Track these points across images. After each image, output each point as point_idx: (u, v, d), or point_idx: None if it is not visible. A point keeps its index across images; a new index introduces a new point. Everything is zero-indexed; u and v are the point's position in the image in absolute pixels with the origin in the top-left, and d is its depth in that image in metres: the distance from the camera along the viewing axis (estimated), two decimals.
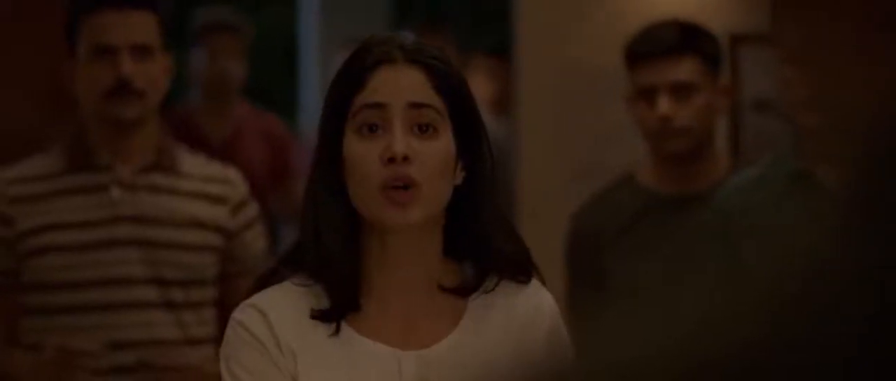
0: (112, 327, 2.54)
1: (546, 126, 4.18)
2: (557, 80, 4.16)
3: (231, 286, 2.59)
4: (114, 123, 2.56)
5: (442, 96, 1.67)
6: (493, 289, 1.72)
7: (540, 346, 1.72)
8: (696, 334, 0.64)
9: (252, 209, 2.69)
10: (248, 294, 1.72)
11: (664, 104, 2.79)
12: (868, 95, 0.66)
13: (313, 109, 6.18)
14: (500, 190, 1.84)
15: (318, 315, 1.67)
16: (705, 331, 0.64)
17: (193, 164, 2.66)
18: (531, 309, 1.73)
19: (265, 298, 1.69)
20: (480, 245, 1.71)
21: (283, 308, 1.68)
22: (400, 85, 1.66)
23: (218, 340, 1.73)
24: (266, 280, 1.72)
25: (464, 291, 1.71)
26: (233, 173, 2.69)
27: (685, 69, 2.81)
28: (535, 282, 1.76)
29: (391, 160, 1.63)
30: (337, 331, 1.67)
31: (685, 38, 2.83)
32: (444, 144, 1.66)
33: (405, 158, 1.63)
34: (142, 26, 2.56)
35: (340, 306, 1.68)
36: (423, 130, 1.66)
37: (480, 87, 4.96)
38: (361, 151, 1.65)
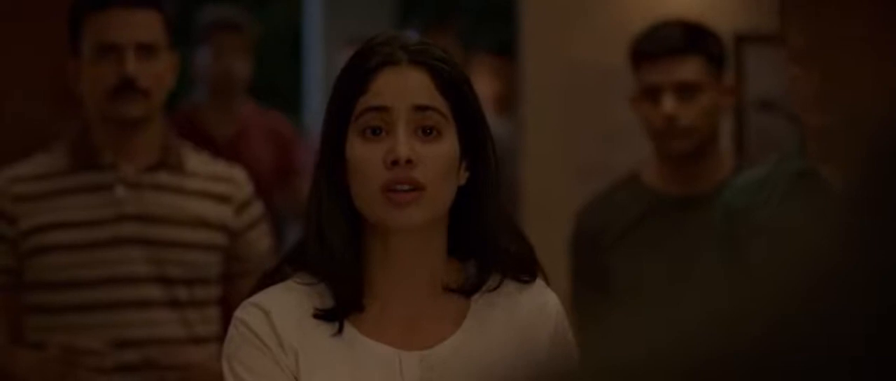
0: (116, 325, 2.54)
1: (550, 125, 4.18)
2: (562, 79, 4.16)
3: (235, 285, 2.59)
4: (118, 122, 2.56)
5: (446, 98, 1.67)
6: (496, 288, 1.71)
7: (544, 345, 1.71)
8: (701, 333, 0.64)
9: (257, 208, 2.68)
10: (252, 293, 1.72)
11: (669, 104, 2.79)
12: (875, 95, 0.66)
13: (318, 107, 6.18)
14: (504, 189, 1.84)
15: (321, 315, 1.67)
16: (710, 331, 0.64)
17: (198, 162, 2.66)
18: (535, 309, 1.73)
19: (268, 297, 1.69)
20: (484, 245, 1.70)
21: (285, 307, 1.67)
22: (403, 87, 1.65)
23: (222, 338, 1.73)
24: (269, 279, 1.72)
25: (466, 290, 1.70)
26: (238, 172, 2.69)
27: (690, 69, 2.81)
28: (539, 282, 1.75)
29: (395, 163, 1.63)
30: (339, 331, 1.67)
31: (690, 37, 2.83)
32: (447, 146, 1.66)
33: (409, 162, 1.63)
34: (146, 25, 2.56)
35: (343, 306, 1.67)
36: (427, 132, 1.65)
37: (484, 86, 4.96)
38: (365, 154, 1.65)
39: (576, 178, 4.04)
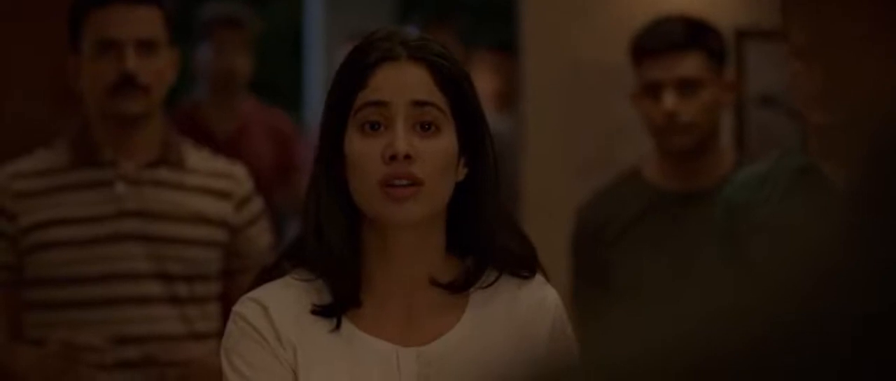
0: (116, 321, 2.54)
1: (552, 122, 4.17)
2: (563, 76, 4.15)
3: (235, 281, 2.59)
4: (118, 119, 2.56)
5: (445, 93, 1.66)
6: (493, 284, 1.71)
7: (543, 341, 1.71)
8: (700, 331, 0.64)
9: (257, 205, 2.68)
10: (250, 288, 1.72)
11: (670, 100, 2.79)
12: (877, 93, 0.66)
13: (319, 103, 6.17)
14: (504, 186, 1.84)
15: (319, 311, 1.67)
16: (709, 328, 0.64)
17: (198, 159, 2.66)
18: (534, 304, 1.73)
19: (266, 292, 1.69)
20: (482, 241, 1.70)
21: (283, 303, 1.67)
22: (403, 83, 1.65)
23: (222, 335, 1.73)
24: (268, 275, 1.72)
25: (463, 286, 1.70)
26: (238, 169, 2.69)
27: (691, 65, 2.81)
28: (538, 277, 1.75)
29: (393, 158, 1.63)
30: (337, 327, 1.67)
31: (691, 33, 2.83)
32: (446, 141, 1.66)
33: (407, 157, 1.63)
34: (147, 21, 2.55)
35: (341, 301, 1.67)
36: (426, 128, 1.65)
37: (484, 82, 4.96)
38: (363, 149, 1.64)
39: (576, 175, 4.04)
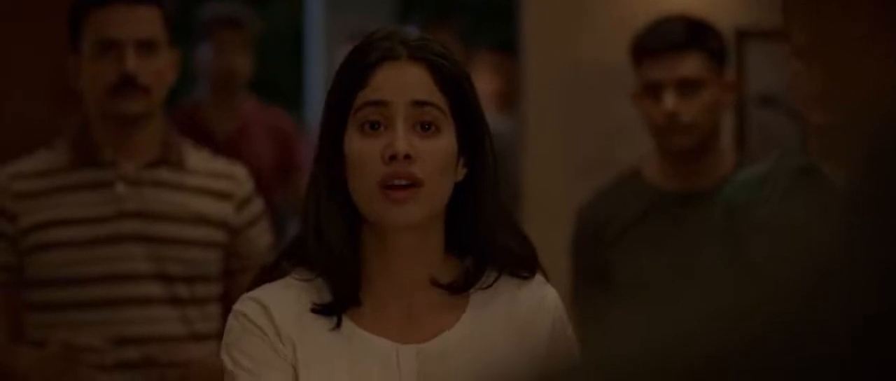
0: (117, 322, 2.54)
1: (552, 122, 4.17)
2: (563, 76, 4.15)
3: (236, 282, 2.59)
4: (118, 119, 2.56)
5: (445, 93, 1.66)
6: (492, 284, 1.71)
7: (543, 341, 1.71)
8: (701, 331, 0.64)
9: (257, 205, 2.68)
10: (250, 288, 1.72)
11: (670, 100, 2.79)
12: (877, 93, 0.66)
13: (319, 103, 6.17)
14: (505, 187, 1.84)
15: (319, 310, 1.67)
16: (709, 329, 0.64)
17: (199, 159, 2.66)
18: (534, 304, 1.72)
19: (266, 292, 1.69)
20: (482, 241, 1.70)
21: (283, 302, 1.68)
22: (403, 82, 1.65)
23: (222, 335, 1.73)
24: (267, 275, 1.72)
25: (463, 286, 1.70)
26: (238, 169, 2.69)
27: (691, 65, 2.81)
28: (538, 278, 1.75)
29: (393, 158, 1.63)
30: (338, 325, 1.67)
31: (691, 34, 2.83)
32: (446, 141, 1.66)
33: (407, 157, 1.62)
34: (147, 21, 2.55)
35: (341, 300, 1.67)
36: (426, 128, 1.65)
37: (485, 82, 4.96)
38: (363, 149, 1.64)
39: (577, 175, 4.04)
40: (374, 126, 1.65)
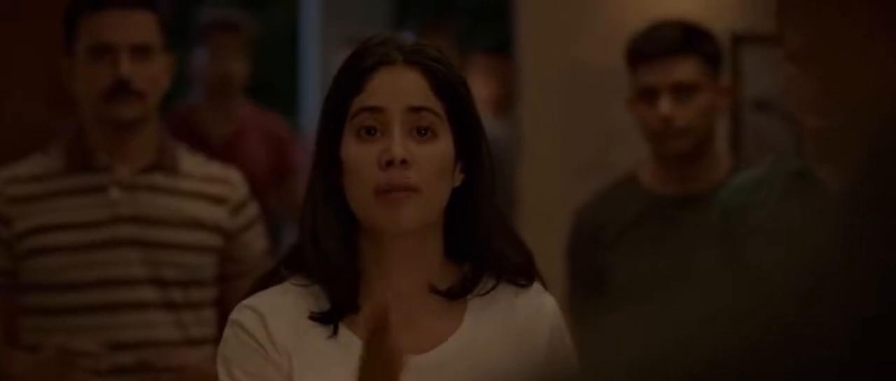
0: (112, 327, 2.53)
1: (548, 125, 4.17)
2: (560, 80, 4.15)
3: (231, 287, 2.58)
4: (113, 124, 2.56)
5: (441, 99, 1.66)
6: (491, 291, 1.71)
7: (541, 350, 1.71)
8: (698, 337, 0.64)
9: (252, 210, 2.68)
10: (248, 295, 1.71)
11: (665, 104, 2.79)
12: (873, 96, 0.66)
13: (315, 107, 6.17)
14: (501, 191, 1.83)
15: (316, 317, 1.67)
16: (707, 334, 0.64)
17: (193, 164, 2.66)
18: (532, 311, 1.72)
19: (263, 299, 1.69)
20: (480, 247, 1.70)
21: (280, 309, 1.67)
22: (399, 88, 1.65)
23: (217, 340, 1.73)
24: (266, 281, 1.72)
25: (461, 293, 1.70)
26: (233, 174, 2.68)
27: (686, 69, 2.81)
28: (536, 285, 1.74)
29: (389, 163, 1.62)
30: (335, 333, 1.67)
31: (686, 38, 2.83)
32: (442, 146, 1.66)
33: (403, 162, 1.62)
34: (141, 26, 2.55)
35: (338, 307, 1.67)
36: (422, 133, 1.65)
37: (481, 86, 4.95)
38: (359, 154, 1.64)
39: (574, 179, 4.04)
40: (371, 132, 1.65)
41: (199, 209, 2.61)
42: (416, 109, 1.65)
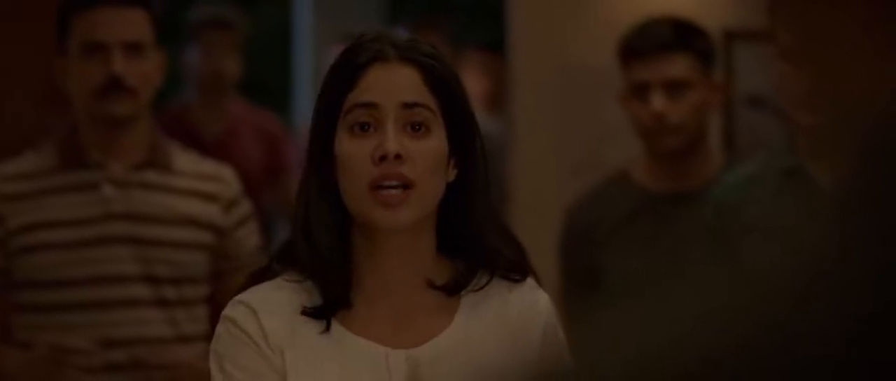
0: (104, 324, 2.53)
1: (541, 122, 4.17)
2: (553, 77, 4.15)
3: (224, 284, 2.58)
4: (106, 121, 2.56)
5: (435, 95, 1.66)
6: (484, 286, 1.71)
7: (534, 345, 1.71)
8: (692, 335, 0.64)
9: (245, 207, 2.68)
10: (240, 291, 1.71)
11: (658, 101, 2.79)
12: (865, 93, 0.66)
13: (308, 105, 6.17)
14: (494, 187, 1.84)
15: (309, 313, 1.67)
16: (701, 332, 0.64)
17: (186, 161, 2.66)
18: (526, 308, 1.72)
19: (256, 295, 1.68)
20: (473, 243, 1.70)
21: (273, 305, 1.67)
22: (392, 84, 1.65)
23: (210, 337, 1.73)
24: (258, 277, 1.72)
25: (454, 288, 1.70)
26: (226, 171, 2.68)
27: (679, 66, 2.81)
28: (530, 281, 1.74)
29: (383, 159, 1.62)
30: (327, 329, 1.67)
31: (679, 35, 2.83)
32: (436, 142, 1.66)
33: (397, 157, 1.62)
34: (134, 23, 2.55)
35: (331, 303, 1.67)
36: (416, 129, 1.65)
37: (474, 83, 4.95)
38: (353, 150, 1.64)
39: (567, 176, 4.04)
40: (364, 128, 1.65)
41: (191, 207, 2.61)
42: (409, 105, 1.65)
